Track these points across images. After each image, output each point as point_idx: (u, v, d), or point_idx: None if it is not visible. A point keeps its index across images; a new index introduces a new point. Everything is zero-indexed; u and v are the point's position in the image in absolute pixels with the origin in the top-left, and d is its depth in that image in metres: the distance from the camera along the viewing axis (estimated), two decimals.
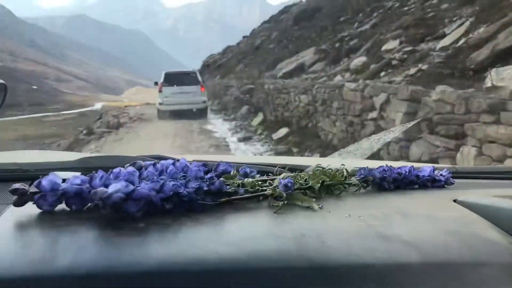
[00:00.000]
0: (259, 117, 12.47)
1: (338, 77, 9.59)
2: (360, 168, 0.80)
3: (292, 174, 0.75)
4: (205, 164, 0.73)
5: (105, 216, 0.57)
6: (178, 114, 14.53)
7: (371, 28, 12.42)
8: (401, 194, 0.79)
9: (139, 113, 16.68)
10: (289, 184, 0.68)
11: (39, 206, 0.57)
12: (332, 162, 0.89)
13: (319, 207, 0.66)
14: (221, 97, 19.73)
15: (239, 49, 30.54)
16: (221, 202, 0.64)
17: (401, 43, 8.92)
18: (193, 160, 0.81)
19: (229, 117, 14.70)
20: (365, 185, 0.79)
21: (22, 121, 25.78)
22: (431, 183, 0.84)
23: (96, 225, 0.56)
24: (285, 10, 29.31)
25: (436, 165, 0.90)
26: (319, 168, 0.77)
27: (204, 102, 14.69)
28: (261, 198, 0.68)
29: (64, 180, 0.59)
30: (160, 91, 14.66)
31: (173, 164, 0.71)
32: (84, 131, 13.73)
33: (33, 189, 0.57)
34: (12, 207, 0.58)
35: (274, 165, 0.86)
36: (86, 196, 0.59)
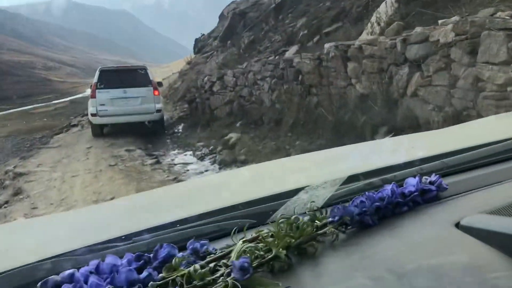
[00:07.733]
0: None
1: None
2: (333, 207, 0.63)
3: (250, 241, 0.57)
4: (140, 255, 0.56)
5: None
6: (122, 129, 10.47)
7: None
8: (392, 229, 0.61)
9: None
10: (246, 265, 0.52)
11: None
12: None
13: None
14: None
15: None
16: None
17: None
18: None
19: None
20: (343, 229, 0.62)
21: (11, 115, 24.73)
22: (421, 197, 0.67)
23: None
24: None
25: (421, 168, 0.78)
26: (283, 218, 0.60)
27: (158, 111, 10.22)
28: None
29: None
30: (92, 96, 10.13)
31: (97, 268, 0.53)
32: None
33: None
34: None
35: (232, 216, 0.69)
36: None
